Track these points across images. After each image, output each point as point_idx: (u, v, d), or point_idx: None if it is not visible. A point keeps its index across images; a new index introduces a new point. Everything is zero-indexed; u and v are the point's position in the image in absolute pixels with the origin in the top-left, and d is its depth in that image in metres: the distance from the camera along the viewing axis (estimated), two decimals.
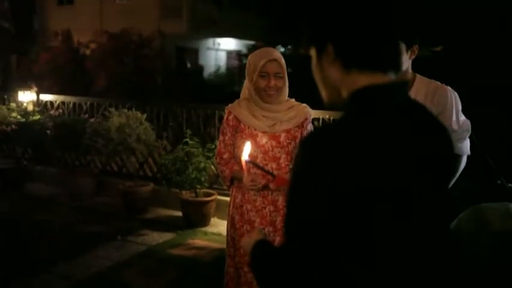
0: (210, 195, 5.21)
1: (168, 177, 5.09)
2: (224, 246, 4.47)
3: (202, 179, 5.06)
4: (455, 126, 2.25)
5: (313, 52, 1.13)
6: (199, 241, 4.71)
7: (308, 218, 0.99)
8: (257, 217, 2.53)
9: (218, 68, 19.16)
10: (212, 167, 5.21)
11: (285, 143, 2.50)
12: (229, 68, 19.62)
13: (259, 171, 2.37)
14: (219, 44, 20.19)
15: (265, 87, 2.44)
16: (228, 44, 20.57)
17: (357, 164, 0.95)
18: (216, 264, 4.15)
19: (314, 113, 2.89)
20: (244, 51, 19.35)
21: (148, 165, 6.14)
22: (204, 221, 5.09)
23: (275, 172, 2.37)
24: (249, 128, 2.51)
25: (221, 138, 2.62)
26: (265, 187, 2.47)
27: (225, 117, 2.61)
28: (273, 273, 1.08)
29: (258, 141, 2.49)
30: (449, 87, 2.31)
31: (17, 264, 4.12)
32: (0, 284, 3.75)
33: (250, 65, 2.49)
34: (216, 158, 2.67)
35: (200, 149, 5.13)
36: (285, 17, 15.24)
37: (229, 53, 20.98)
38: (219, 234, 4.85)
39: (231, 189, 2.66)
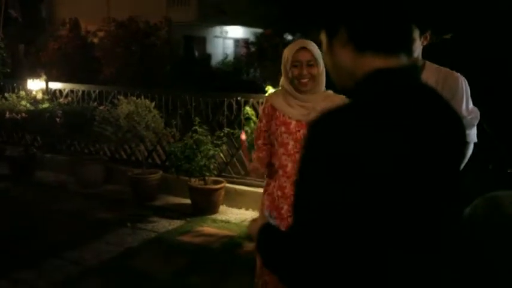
0: (218, 182, 5.22)
1: (177, 165, 5.10)
2: (232, 234, 4.54)
3: (211, 166, 5.07)
4: (465, 113, 2.27)
5: (324, 37, 1.12)
6: (208, 228, 4.74)
7: (313, 201, 0.98)
8: (285, 204, 2.58)
9: (226, 56, 19.08)
10: (221, 154, 5.22)
11: None
12: (237, 56, 19.52)
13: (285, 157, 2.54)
14: (226, 32, 20.11)
15: (298, 76, 2.52)
16: (236, 32, 20.48)
17: (368, 147, 0.94)
18: (225, 251, 4.20)
19: None
20: (252, 39, 19.24)
21: (157, 153, 6.16)
22: (212, 208, 5.11)
23: None
24: (283, 115, 2.60)
25: (258, 124, 2.76)
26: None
27: (263, 105, 2.76)
28: (278, 257, 1.08)
29: (291, 129, 2.57)
30: (459, 74, 2.32)
31: (27, 249, 4.18)
32: (11, 268, 3.79)
33: (285, 56, 2.57)
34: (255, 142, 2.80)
35: (209, 137, 5.14)
36: (294, 4, 15.12)
37: (236, 41, 20.88)
38: (228, 222, 4.88)
39: (266, 177, 2.75)
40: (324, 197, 0.97)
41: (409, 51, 1.07)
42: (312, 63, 2.51)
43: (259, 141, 2.72)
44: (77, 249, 4.18)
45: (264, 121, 2.70)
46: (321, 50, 2.60)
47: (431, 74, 2.28)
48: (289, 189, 2.56)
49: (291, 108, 2.58)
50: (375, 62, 1.04)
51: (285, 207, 2.58)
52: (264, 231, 1.20)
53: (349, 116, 0.98)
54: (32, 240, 4.40)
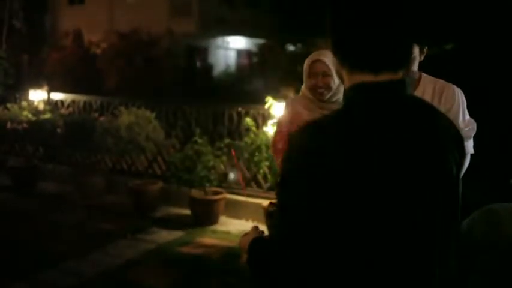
0: (219, 193, 5.22)
1: (177, 176, 5.11)
2: (232, 244, 4.52)
3: (212, 177, 5.07)
4: (462, 125, 2.27)
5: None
6: (208, 239, 4.72)
7: (289, 210, 1.00)
8: None
9: (228, 67, 19.15)
10: (221, 165, 5.22)
11: None
12: (239, 67, 19.59)
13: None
14: (228, 42, 20.18)
15: (314, 86, 2.60)
16: (238, 42, 20.55)
17: (344, 159, 0.95)
18: (225, 263, 4.18)
19: None
20: (254, 50, 19.32)
21: (158, 164, 6.17)
22: (212, 219, 5.10)
23: None
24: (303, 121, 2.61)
25: (277, 129, 2.81)
26: None
27: (284, 110, 2.80)
28: (262, 268, 1.10)
29: None
30: (455, 86, 2.32)
31: (27, 260, 4.17)
32: (9, 278, 3.78)
33: (304, 66, 2.66)
34: (271, 148, 2.82)
35: (209, 148, 5.15)
36: (295, 15, 15.20)
37: (239, 52, 20.96)
38: (228, 233, 4.87)
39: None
40: (299, 209, 0.98)
41: (398, 67, 1.06)
42: (328, 73, 2.57)
43: (280, 145, 2.76)
44: (77, 260, 4.17)
45: (284, 126, 2.75)
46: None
47: (428, 87, 2.30)
48: None
49: (313, 113, 2.62)
50: (362, 78, 1.05)
51: None
52: (254, 246, 1.20)
53: (323, 128, 1.01)
54: (31, 251, 4.38)
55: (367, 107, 1.02)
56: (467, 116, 2.35)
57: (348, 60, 1.07)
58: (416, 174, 1.00)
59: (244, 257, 1.24)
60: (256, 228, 1.37)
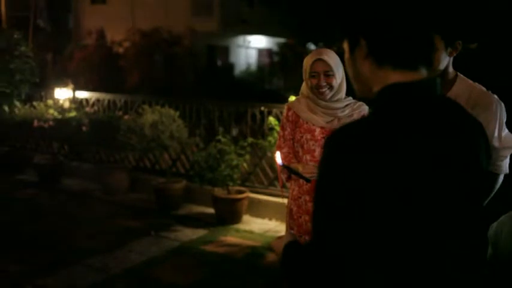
0: (242, 192, 5.23)
1: (201, 174, 5.13)
2: (255, 244, 4.53)
3: (235, 176, 5.09)
4: (496, 143, 1.97)
5: (346, 46, 1.13)
6: (231, 238, 4.74)
7: (328, 218, 0.99)
8: None
9: (248, 66, 19.18)
10: (244, 164, 5.23)
11: None
12: (259, 66, 19.61)
13: (312, 163, 2.51)
14: (249, 41, 20.21)
15: (316, 86, 2.55)
16: (259, 41, 20.56)
17: (377, 164, 0.94)
18: (248, 262, 4.19)
19: None
20: (275, 49, 19.31)
21: (181, 162, 6.20)
22: (236, 218, 5.11)
23: (311, 176, 2.44)
24: (307, 123, 2.62)
25: (281, 133, 2.74)
26: None
27: (284, 113, 2.73)
28: (298, 273, 1.09)
29: (315, 135, 2.59)
30: (496, 96, 2.01)
31: (53, 256, 4.24)
32: (36, 274, 3.85)
33: (304, 65, 2.61)
34: (275, 152, 2.77)
35: (232, 147, 5.16)
36: (316, 14, 15.13)
37: (259, 51, 20.97)
38: (251, 232, 4.87)
39: (289, 182, 2.74)
40: (332, 214, 0.98)
41: (429, 64, 1.06)
42: (330, 73, 2.54)
43: (284, 150, 2.71)
44: (101, 256, 4.22)
45: (288, 129, 2.70)
46: (341, 59, 2.62)
47: (463, 91, 2.05)
48: None
49: (315, 115, 2.61)
50: (392, 76, 1.04)
51: None
52: (289, 249, 1.20)
53: (358, 132, 1.00)
54: (57, 247, 4.45)
55: (403, 106, 1.01)
56: (505, 132, 2.03)
57: (386, 59, 1.05)
58: (453, 176, 1.00)
59: (277, 258, 1.24)
60: (290, 232, 1.37)
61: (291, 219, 2.68)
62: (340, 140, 1.00)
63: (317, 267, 1.01)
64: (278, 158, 2.03)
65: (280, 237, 1.36)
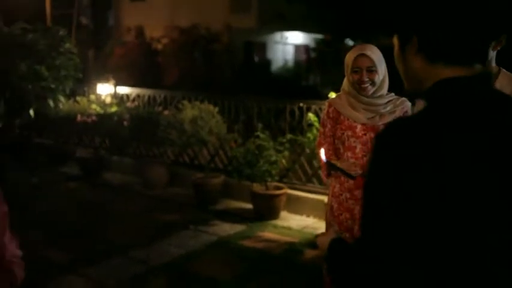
0: (280, 188, 5.23)
1: (239, 170, 5.16)
2: (293, 240, 4.52)
3: (273, 172, 5.09)
4: None
5: (396, 41, 1.12)
6: (269, 234, 4.74)
7: (379, 217, 0.97)
8: (356, 205, 2.56)
9: (285, 62, 19.13)
10: (283, 160, 5.23)
11: None
12: (296, 62, 19.53)
13: (353, 160, 2.49)
14: (286, 38, 20.15)
15: (359, 82, 2.52)
16: (296, 37, 20.48)
17: (431, 161, 0.92)
18: (286, 258, 4.19)
19: None
20: (312, 45, 19.20)
21: (219, 158, 6.25)
22: (273, 214, 5.11)
23: (355, 173, 2.42)
24: (348, 119, 2.60)
25: (321, 130, 2.74)
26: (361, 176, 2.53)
27: (325, 109, 2.72)
28: (345, 271, 1.08)
29: (357, 132, 2.57)
30: None
31: (95, 246, 4.35)
32: (80, 264, 3.96)
33: (346, 61, 2.59)
34: (316, 149, 2.77)
35: (271, 143, 5.16)
36: (355, 9, 14.95)
37: (296, 47, 20.88)
38: (289, 228, 4.87)
39: (330, 180, 2.72)
40: (383, 213, 0.96)
41: (483, 60, 1.03)
42: (373, 69, 2.50)
43: (324, 147, 2.69)
44: (142, 249, 4.30)
45: (329, 126, 2.68)
46: (383, 54, 2.58)
47: (506, 85, 2.09)
48: (358, 192, 2.55)
49: (356, 111, 2.58)
50: (445, 71, 1.02)
51: (357, 207, 2.56)
52: (335, 247, 1.20)
53: (410, 128, 0.97)
54: (99, 238, 4.57)
55: (458, 102, 0.98)
56: None
57: (438, 57, 1.03)
58: (506, 172, 0.96)
59: (315, 255, 1.24)
60: (335, 230, 1.37)
61: (331, 216, 2.68)
62: (390, 137, 0.98)
63: (363, 266, 1.01)
64: (323, 155, 2.02)
65: (324, 234, 1.36)
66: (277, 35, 19.78)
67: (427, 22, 1.03)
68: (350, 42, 16.54)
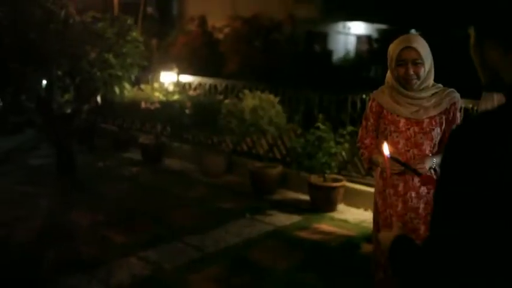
0: (338, 180, 5.15)
1: (298, 161, 5.13)
2: (350, 233, 4.46)
3: (332, 164, 5.02)
4: None
5: (472, 33, 1.08)
6: (325, 226, 4.70)
7: (452, 217, 0.93)
8: (399, 202, 2.53)
9: (347, 53, 18.80)
10: (343, 152, 5.15)
11: (427, 129, 2.48)
12: (358, 53, 19.14)
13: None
14: (349, 28, 19.79)
15: (404, 75, 2.43)
16: (358, 28, 20.07)
17: (507, 161, 0.87)
18: (342, 251, 4.14)
19: None
20: (375, 35, 18.73)
21: (278, 148, 6.24)
22: (331, 206, 5.06)
23: (420, 169, 2.35)
24: (391, 114, 2.53)
25: (364, 123, 2.69)
26: (404, 172, 2.48)
27: (368, 103, 2.67)
28: (412, 271, 1.06)
29: (400, 127, 2.50)
30: None
31: (154, 230, 4.48)
32: (139, 247, 4.08)
33: (389, 53, 2.50)
34: (357, 143, 2.74)
35: (331, 134, 5.09)
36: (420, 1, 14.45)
37: (359, 38, 20.46)
38: (346, 221, 4.80)
39: (375, 175, 2.71)
40: (458, 214, 0.92)
41: None
42: (419, 61, 2.40)
43: (367, 141, 2.66)
44: (199, 235, 4.38)
45: (372, 120, 2.63)
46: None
47: None
48: (402, 187, 2.51)
49: (400, 106, 2.50)
50: None
51: (400, 205, 2.52)
52: (400, 245, 1.18)
53: (487, 127, 0.93)
54: (158, 223, 4.70)
55: None
56: None
57: None
58: None
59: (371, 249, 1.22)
60: (399, 225, 1.33)
61: (376, 211, 2.66)
62: (467, 134, 0.95)
63: (430, 268, 0.97)
64: (386, 149, 1.95)
65: (386, 230, 1.33)
66: (340, 25, 19.46)
67: (507, 17, 0.99)
68: (414, 33, 15.99)
